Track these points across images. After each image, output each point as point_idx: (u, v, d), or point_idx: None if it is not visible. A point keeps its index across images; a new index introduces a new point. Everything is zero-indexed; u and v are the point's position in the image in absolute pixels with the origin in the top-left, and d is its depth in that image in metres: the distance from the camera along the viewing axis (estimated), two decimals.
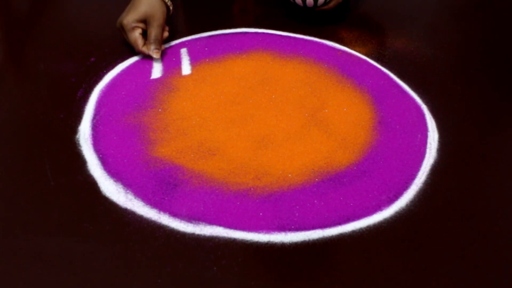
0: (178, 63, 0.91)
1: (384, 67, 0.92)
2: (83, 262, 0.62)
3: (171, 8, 0.91)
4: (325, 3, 0.97)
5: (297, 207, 0.69)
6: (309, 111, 0.83)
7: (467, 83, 0.91)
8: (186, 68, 0.90)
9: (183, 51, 0.94)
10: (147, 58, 0.91)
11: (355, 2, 1.09)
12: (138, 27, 0.88)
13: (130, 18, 0.87)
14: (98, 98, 0.84)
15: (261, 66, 0.92)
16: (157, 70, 0.89)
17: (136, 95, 0.85)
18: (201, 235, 0.66)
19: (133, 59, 0.91)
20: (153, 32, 0.88)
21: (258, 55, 0.94)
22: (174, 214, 0.68)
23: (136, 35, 0.88)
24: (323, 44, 0.97)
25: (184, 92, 0.86)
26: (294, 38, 0.99)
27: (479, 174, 0.76)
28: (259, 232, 0.66)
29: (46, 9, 1.08)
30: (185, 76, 0.89)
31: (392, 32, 1.03)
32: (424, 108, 0.85)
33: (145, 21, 0.88)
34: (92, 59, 0.91)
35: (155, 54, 0.88)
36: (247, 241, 0.65)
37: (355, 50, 0.96)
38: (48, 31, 1.01)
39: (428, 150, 0.78)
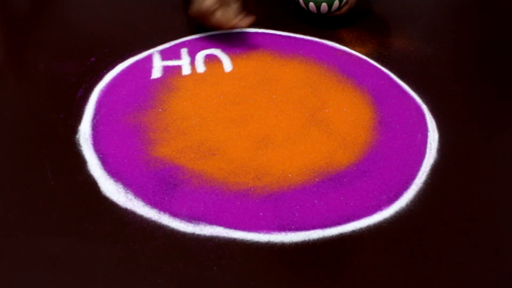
0: (179, 63, 0.91)
1: (384, 67, 0.92)
2: (83, 262, 0.62)
3: None
4: (338, 9, 0.98)
5: (297, 207, 0.69)
6: (309, 111, 0.84)
7: (467, 83, 0.91)
8: (186, 68, 0.90)
9: (183, 51, 0.94)
10: (147, 58, 0.91)
11: (357, 3, 1.09)
12: (217, 8, 0.91)
13: (209, 2, 0.90)
14: (98, 98, 0.84)
15: (261, 66, 0.92)
16: (157, 70, 0.89)
17: (136, 95, 0.85)
18: (201, 235, 0.66)
19: (133, 59, 0.91)
20: (233, 7, 0.92)
21: (258, 55, 0.94)
22: (174, 214, 0.68)
23: (218, 16, 0.91)
24: (323, 44, 0.97)
25: (184, 92, 0.86)
26: (294, 38, 0.99)
27: (479, 174, 0.76)
28: (259, 232, 0.66)
29: (46, 9, 1.08)
30: (185, 76, 0.89)
31: (392, 32, 1.03)
32: (424, 108, 0.85)
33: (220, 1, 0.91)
34: (92, 59, 0.91)
35: (245, 23, 0.92)
36: (247, 241, 0.65)
37: (355, 50, 0.96)
38: (48, 31, 1.01)
39: (428, 150, 0.78)
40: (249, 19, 0.92)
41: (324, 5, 0.96)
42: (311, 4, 0.97)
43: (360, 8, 1.07)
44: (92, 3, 1.07)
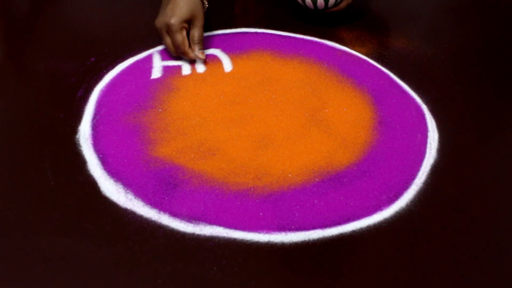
0: (179, 63, 0.91)
1: (384, 67, 0.92)
2: (83, 262, 0.62)
3: (206, 5, 0.90)
4: (335, 5, 0.97)
5: (297, 207, 0.69)
6: (309, 111, 0.84)
7: (467, 83, 0.91)
8: (186, 68, 0.90)
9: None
10: (146, 59, 0.91)
11: (357, 2, 1.09)
12: (184, 27, 0.87)
13: (178, 18, 0.85)
14: (98, 98, 0.84)
15: (261, 66, 0.92)
16: (157, 70, 0.89)
17: (136, 95, 0.85)
18: (201, 235, 0.66)
19: (133, 59, 0.91)
20: (197, 33, 0.87)
21: (258, 55, 0.94)
22: (174, 214, 0.68)
23: (184, 36, 0.87)
24: (323, 44, 0.97)
25: (184, 92, 0.86)
26: (294, 38, 0.99)
27: (479, 174, 0.76)
28: (259, 232, 0.66)
29: (46, 9, 1.08)
30: (185, 76, 0.89)
31: (392, 32, 1.03)
32: (424, 108, 0.85)
33: (189, 22, 0.87)
34: (92, 59, 0.91)
35: (202, 55, 0.88)
36: (247, 241, 0.65)
37: (355, 50, 0.96)
38: (48, 31, 1.01)
39: (428, 150, 0.78)
40: (203, 53, 0.88)
41: (320, 1, 0.96)
42: (308, 0, 0.97)
43: (360, 7, 1.07)
44: (92, 3, 1.07)
